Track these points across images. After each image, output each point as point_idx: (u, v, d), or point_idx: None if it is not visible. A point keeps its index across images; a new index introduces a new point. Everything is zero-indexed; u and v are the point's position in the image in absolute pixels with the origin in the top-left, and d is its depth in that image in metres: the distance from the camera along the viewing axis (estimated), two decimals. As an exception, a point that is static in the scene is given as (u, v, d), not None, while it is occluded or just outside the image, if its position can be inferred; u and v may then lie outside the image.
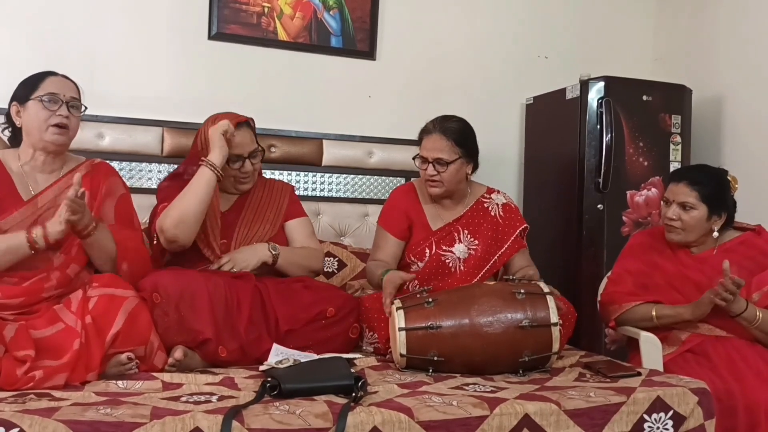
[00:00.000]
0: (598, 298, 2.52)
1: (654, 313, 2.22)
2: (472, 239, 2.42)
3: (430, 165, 2.36)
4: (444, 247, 2.41)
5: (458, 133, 2.38)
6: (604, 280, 2.57)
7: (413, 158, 2.45)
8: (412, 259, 2.43)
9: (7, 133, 2.12)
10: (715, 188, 2.26)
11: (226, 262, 2.21)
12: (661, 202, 2.36)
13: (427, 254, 2.41)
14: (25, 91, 2.00)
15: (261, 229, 2.36)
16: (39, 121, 1.97)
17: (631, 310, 2.26)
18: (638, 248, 2.41)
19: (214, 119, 2.30)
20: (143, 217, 2.64)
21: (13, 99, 2.03)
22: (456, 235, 2.42)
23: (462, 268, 2.40)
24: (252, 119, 2.40)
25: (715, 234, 2.28)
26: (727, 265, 2.05)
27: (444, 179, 2.37)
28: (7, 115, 2.06)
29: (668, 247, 2.35)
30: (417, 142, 2.46)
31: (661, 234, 2.39)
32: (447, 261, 2.40)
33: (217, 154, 2.20)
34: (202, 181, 2.18)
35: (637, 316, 2.26)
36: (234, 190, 2.38)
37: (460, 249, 2.41)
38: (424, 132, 2.41)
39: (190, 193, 2.17)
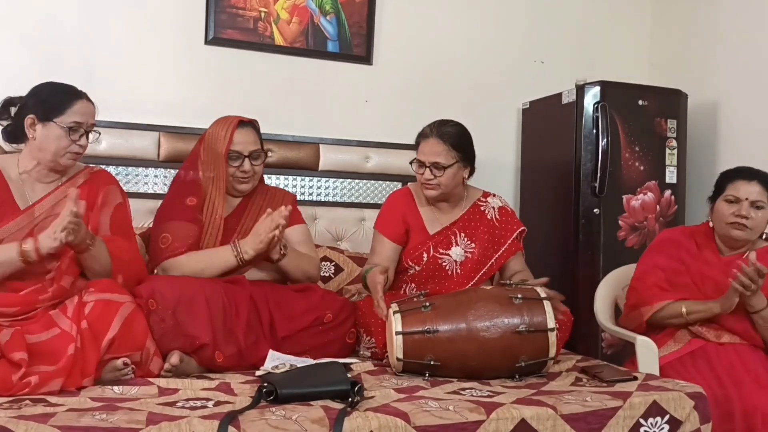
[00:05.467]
0: (595, 302, 2.52)
1: (684, 310, 2.23)
2: (468, 242, 2.42)
3: (427, 169, 2.37)
4: (441, 250, 2.41)
5: (455, 138, 2.39)
6: (605, 280, 2.60)
7: (410, 162, 2.46)
8: (410, 263, 2.43)
9: None
10: None
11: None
12: (722, 202, 2.30)
13: (425, 258, 2.41)
14: (50, 110, 1.96)
15: None
16: (59, 147, 1.96)
17: (662, 309, 2.26)
18: (667, 244, 2.41)
19: (221, 122, 2.33)
20: (141, 222, 2.65)
21: (30, 110, 1.96)
22: (453, 238, 2.43)
23: (459, 271, 2.40)
24: (256, 121, 2.41)
25: (764, 235, 2.31)
26: (753, 256, 2.07)
27: (441, 183, 2.37)
28: (8, 108, 2.02)
29: (695, 246, 2.36)
30: (414, 147, 2.46)
31: (690, 233, 2.41)
32: (444, 264, 2.41)
33: (253, 245, 2.16)
34: (222, 261, 2.18)
35: (667, 314, 2.26)
36: (233, 190, 2.36)
37: (456, 252, 2.41)
38: (422, 136, 2.42)
39: (205, 262, 2.18)
